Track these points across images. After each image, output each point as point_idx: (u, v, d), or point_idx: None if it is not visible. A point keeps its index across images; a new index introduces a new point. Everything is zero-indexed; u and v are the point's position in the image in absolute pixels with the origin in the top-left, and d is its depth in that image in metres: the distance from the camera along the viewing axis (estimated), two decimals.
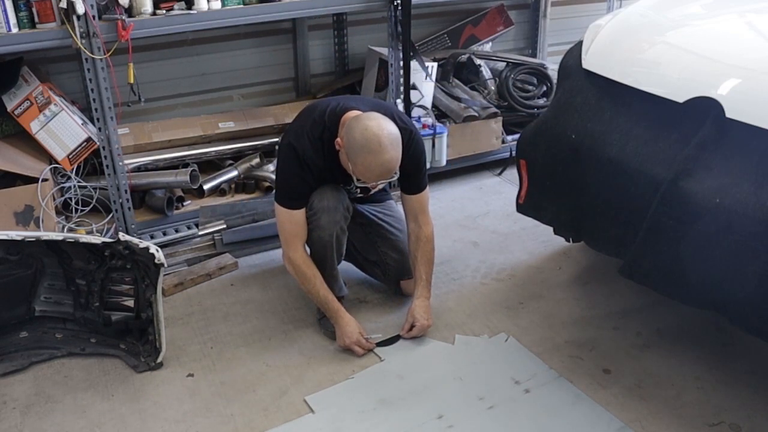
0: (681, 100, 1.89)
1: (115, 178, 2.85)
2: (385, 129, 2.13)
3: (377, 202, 2.63)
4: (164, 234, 3.05)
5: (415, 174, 2.39)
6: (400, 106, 3.29)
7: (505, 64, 3.89)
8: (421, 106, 3.46)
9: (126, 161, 2.93)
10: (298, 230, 2.34)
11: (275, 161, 2.92)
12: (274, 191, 2.45)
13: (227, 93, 3.62)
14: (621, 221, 2.01)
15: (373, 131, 2.10)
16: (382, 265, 2.59)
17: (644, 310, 2.52)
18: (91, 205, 2.98)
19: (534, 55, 4.38)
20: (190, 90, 3.52)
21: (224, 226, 3.00)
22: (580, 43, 2.37)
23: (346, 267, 2.75)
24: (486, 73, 3.85)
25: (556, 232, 2.50)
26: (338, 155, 2.25)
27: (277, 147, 3.28)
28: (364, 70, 3.73)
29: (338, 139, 2.20)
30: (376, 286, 2.68)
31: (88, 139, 2.85)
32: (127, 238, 2.13)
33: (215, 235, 2.99)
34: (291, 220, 2.33)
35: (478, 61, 3.85)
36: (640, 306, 2.55)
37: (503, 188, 3.62)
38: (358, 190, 2.45)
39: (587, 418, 2.03)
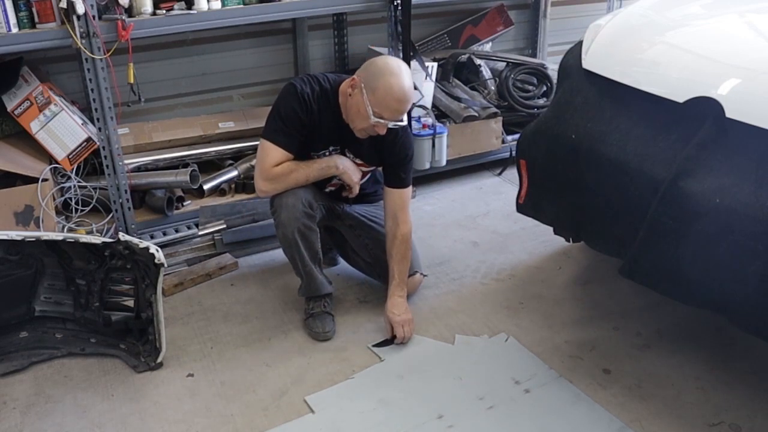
0: (681, 100, 1.89)
1: (115, 178, 2.85)
2: (403, 62, 2.28)
3: (369, 202, 2.64)
4: (164, 234, 3.05)
5: (402, 164, 2.41)
6: None
7: (505, 64, 3.89)
8: (421, 106, 3.46)
9: (126, 161, 2.93)
10: (275, 164, 2.29)
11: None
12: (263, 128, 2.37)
13: (227, 93, 3.62)
14: (621, 221, 2.01)
15: (393, 60, 2.27)
16: (377, 267, 2.59)
17: (644, 310, 2.53)
18: (91, 205, 2.98)
19: (534, 55, 4.38)
20: (190, 90, 3.52)
21: (224, 226, 3.00)
22: (580, 43, 2.37)
23: (346, 268, 2.76)
24: (486, 73, 3.85)
25: (556, 232, 2.50)
26: (332, 114, 2.30)
27: None
28: None
29: (354, 77, 2.24)
30: (376, 286, 2.67)
31: (88, 139, 2.85)
32: (127, 238, 2.13)
33: (215, 235, 2.99)
34: (273, 155, 2.28)
35: (478, 61, 3.85)
36: (640, 306, 2.55)
37: (503, 188, 3.63)
38: (335, 181, 2.45)
39: (587, 418, 2.03)
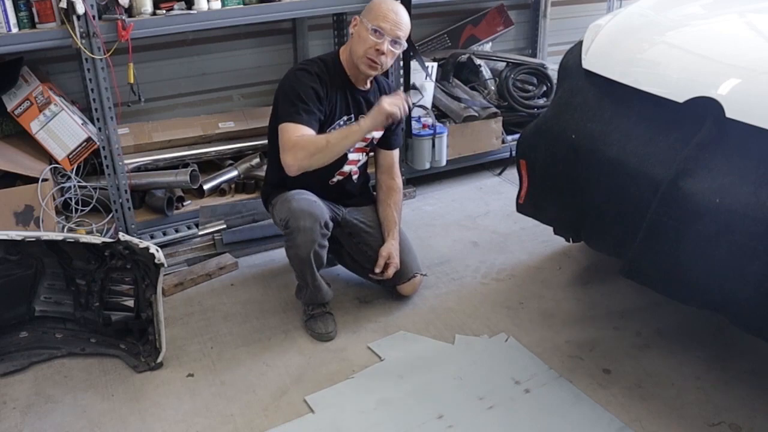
0: (681, 100, 1.89)
1: (115, 178, 2.85)
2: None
3: (358, 205, 2.65)
4: (164, 234, 3.05)
5: (395, 129, 2.59)
6: None
7: (505, 64, 3.89)
8: (421, 106, 3.46)
9: (126, 161, 2.93)
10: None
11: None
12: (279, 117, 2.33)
13: (227, 93, 3.62)
14: (621, 221, 2.01)
15: None
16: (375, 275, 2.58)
17: (644, 310, 2.52)
18: (91, 205, 2.98)
19: (534, 55, 4.38)
20: (190, 90, 3.52)
21: (224, 226, 3.00)
22: (580, 43, 2.37)
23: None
24: (486, 73, 3.85)
25: (556, 232, 2.50)
26: (341, 83, 2.39)
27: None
28: None
29: (353, 18, 2.35)
30: (376, 286, 2.67)
31: (88, 139, 2.85)
32: (127, 238, 2.13)
33: (215, 235, 2.99)
34: (293, 131, 2.25)
35: (478, 61, 3.85)
36: (640, 306, 2.55)
37: (503, 188, 3.62)
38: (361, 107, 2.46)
39: (587, 418, 2.03)
